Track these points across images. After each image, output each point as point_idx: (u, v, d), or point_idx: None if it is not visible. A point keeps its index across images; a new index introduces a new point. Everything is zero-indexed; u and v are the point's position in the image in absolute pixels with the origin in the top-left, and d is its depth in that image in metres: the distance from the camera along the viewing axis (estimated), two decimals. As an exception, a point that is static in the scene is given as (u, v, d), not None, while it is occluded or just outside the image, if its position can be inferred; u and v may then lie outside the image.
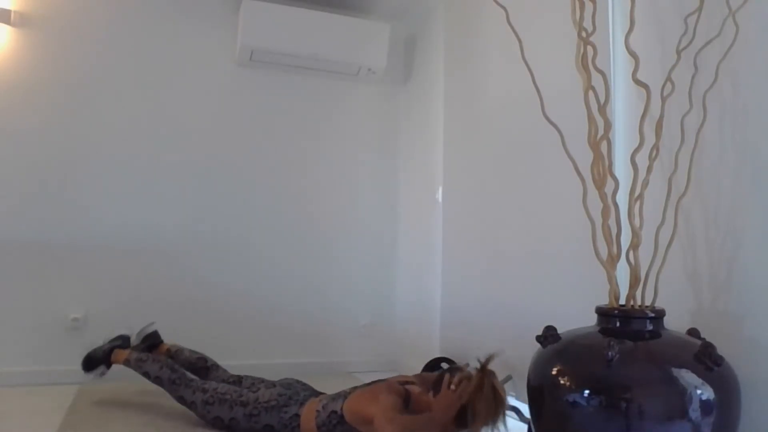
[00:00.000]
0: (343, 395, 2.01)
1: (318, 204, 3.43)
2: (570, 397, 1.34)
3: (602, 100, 1.53)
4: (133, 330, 2.77)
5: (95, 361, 2.52)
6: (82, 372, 2.52)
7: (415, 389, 1.96)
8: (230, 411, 2.09)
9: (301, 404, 2.05)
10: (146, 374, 2.34)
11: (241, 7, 3.08)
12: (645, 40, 1.73)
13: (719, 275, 1.54)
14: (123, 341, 2.62)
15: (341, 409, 1.95)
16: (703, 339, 1.41)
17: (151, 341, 2.70)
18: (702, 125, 1.54)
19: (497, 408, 1.76)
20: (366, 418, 1.86)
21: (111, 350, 2.54)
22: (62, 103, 2.98)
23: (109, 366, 2.55)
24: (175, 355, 2.59)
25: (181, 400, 2.22)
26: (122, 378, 2.92)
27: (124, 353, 2.51)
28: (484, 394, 1.74)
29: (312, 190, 3.42)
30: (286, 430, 2.03)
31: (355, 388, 2.07)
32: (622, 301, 1.52)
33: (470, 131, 2.80)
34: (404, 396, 1.90)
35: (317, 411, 2.01)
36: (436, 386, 1.89)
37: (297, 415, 2.02)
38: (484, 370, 1.78)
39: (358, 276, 3.47)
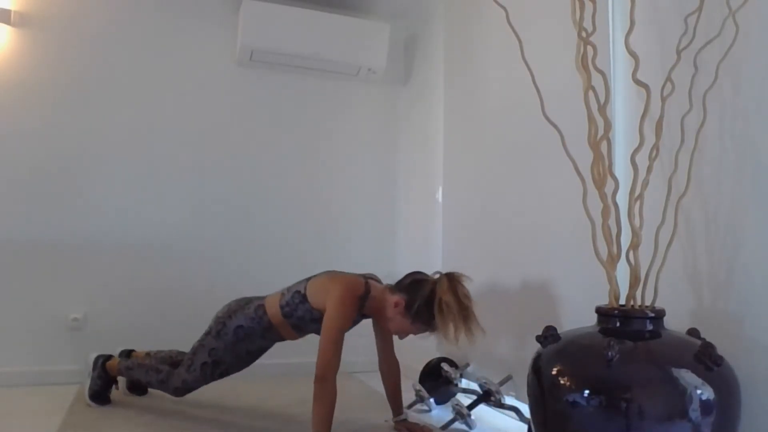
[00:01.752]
0: (308, 279, 2.15)
1: (317, 203, 3.43)
2: (570, 397, 1.34)
3: (602, 100, 1.53)
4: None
5: (102, 388, 2.44)
6: (99, 406, 2.43)
7: (376, 286, 2.10)
8: (204, 350, 2.18)
9: (261, 298, 2.20)
10: (138, 381, 2.35)
11: (241, 7, 3.08)
12: (645, 40, 1.72)
13: (719, 275, 1.54)
14: (104, 357, 2.50)
15: (304, 288, 2.11)
16: (703, 339, 1.41)
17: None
18: (702, 125, 1.54)
19: (464, 312, 1.92)
20: (322, 304, 2.03)
21: (104, 368, 2.46)
22: (62, 103, 2.98)
23: (114, 381, 2.50)
24: (155, 355, 2.57)
25: (176, 391, 2.23)
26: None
27: (114, 361, 2.47)
28: (448, 304, 1.90)
29: (312, 189, 3.42)
30: (254, 323, 2.15)
31: (322, 273, 2.18)
32: (622, 301, 1.52)
33: (470, 131, 2.80)
34: (362, 292, 2.04)
35: (282, 293, 2.16)
36: (400, 288, 2.05)
37: (261, 305, 2.16)
38: (450, 276, 1.96)
39: (358, 276, 3.47)
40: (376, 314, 2.13)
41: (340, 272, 2.18)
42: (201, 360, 2.19)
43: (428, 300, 1.95)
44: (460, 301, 1.91)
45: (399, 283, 2.09)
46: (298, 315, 2.12)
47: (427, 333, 2.03)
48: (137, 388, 2.61)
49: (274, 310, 2.15)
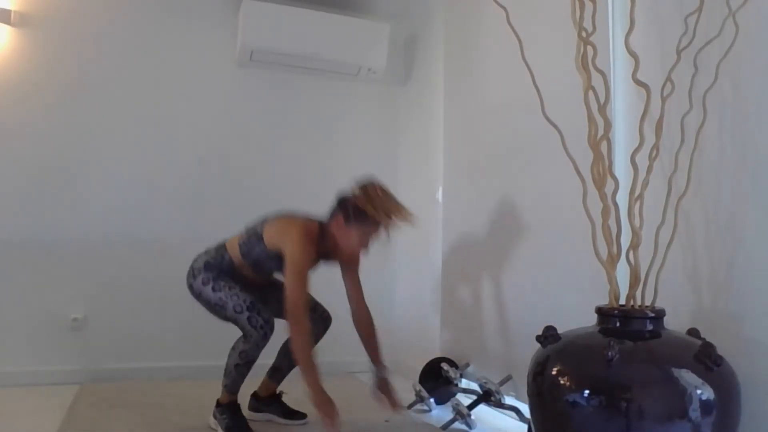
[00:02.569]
0: (264, 219, 2.24)
1: (317, 204, 3.41)
2: (570, 397, 1.34)
3: (602, 100, 1.53)
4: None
5: (231, 420, 2.15)
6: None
7: (327, 224, 2.21)
8: (224, 298, 2.15)
9: (224, 241, 2.30)
10: (236, 372, 2.14)
11: (241, 7, 3.08)
12: (645, 40, 1.72)
13: (719, 275, 1.54)
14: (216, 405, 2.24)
15: (261, 228, 2.19)
16: (703, 339, 1.41)
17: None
18: (702, 125, 1.54)
19: (389, 201, 2.13)
20: (278, 245, 2.13)
21: (218, 405, 2.20)
22: (62, 103, 2.98)
23: (233, 405, 2.19)
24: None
25: (261, 331, 2.11)
26: (122, 378, 2.92)
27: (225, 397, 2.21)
28: (370, 196, 2.09)
29: (311, 189, 3.42)
30: (216, 261, 2.22)
31: (277, 216, 2.26)
32: (622, 301, 1.52)
33: (470, 131, 2.80)
34: (317, 233, 2.17)
35: (241, 235, 2.25)
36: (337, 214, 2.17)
37: (222, 245, 2.27)
38: (364, 185, 2.13)
39: (358, 276, 3.46)
40: (334, 249, 2.21)
41: (294, 215, 2.27)
42: (232, 305, 2.11)
43: (357, 200, 2.12)
44: (381, 189, 2.13)
45: (330, 211, 2.24)
46: (255, 255, 2.18)
47: (375, 233, 2.15)
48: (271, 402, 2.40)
49: (234, 250, 2.22)
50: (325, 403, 1.99)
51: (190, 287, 2.24)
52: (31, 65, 2.94)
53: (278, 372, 2.40)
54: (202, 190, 3.20)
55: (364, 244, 2.17)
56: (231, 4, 3.26)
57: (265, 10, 3.08)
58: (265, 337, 2.11)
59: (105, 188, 3.02)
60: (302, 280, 2.03)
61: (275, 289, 2.27)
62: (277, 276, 2.27)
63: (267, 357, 2.31)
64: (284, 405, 2.37)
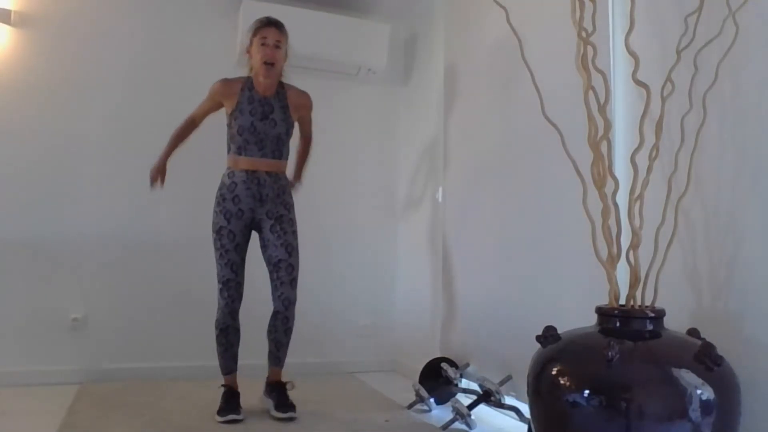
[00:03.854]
0: None
1: (318, 204, 3.42)
2: (570, 397, 1.34)
3: (602, 100, 1.53)
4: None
5: (221, 403, 2.36)
6: (224, 419, 2.30)
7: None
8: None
9: None
10: (221, 351, 2.53)
11: (241, 7, 3.08)
12: (645, 40, 1.72)
13: (719, 275, 1.54)
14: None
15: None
16: (703, 339, 1.41)
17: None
18: (702, 125, 1.54)
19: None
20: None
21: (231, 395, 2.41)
22: (62, 102, 2.98)
23: (225, 387, 2.44)
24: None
25: (222, 296, 2.56)
26: (122, 378, 2.92)
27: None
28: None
29: (312, 190, 3.41)
30: (221, 184, 2.71)
31: None
32: (622, 301, 1.52)
33: (470, 131, 2.80)
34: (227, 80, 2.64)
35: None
36: None
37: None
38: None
39: (358, 276, 3.47)
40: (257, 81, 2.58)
41: None
42: (216, 271, 2.59)
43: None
44: None
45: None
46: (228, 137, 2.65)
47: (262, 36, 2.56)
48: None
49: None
50: (155, 168, 2.57)
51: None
52: (31, 65, 2.94)
53: (270, 354, 2.52)
54: (201, 189, 3.19)
55: (263, 48, 2.52)
56: (231, 4, 3.26)
57: (265, 10, 3.07)
58: (227, 306, 2.49)
59: (105, 188, 3.02)
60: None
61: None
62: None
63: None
64: (282, 395, 2.41)
